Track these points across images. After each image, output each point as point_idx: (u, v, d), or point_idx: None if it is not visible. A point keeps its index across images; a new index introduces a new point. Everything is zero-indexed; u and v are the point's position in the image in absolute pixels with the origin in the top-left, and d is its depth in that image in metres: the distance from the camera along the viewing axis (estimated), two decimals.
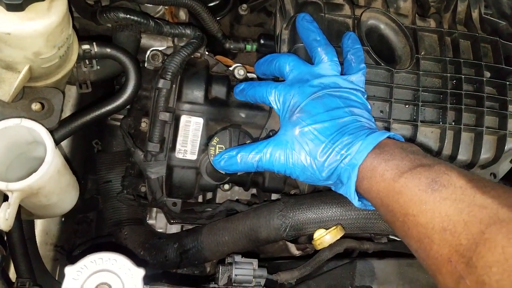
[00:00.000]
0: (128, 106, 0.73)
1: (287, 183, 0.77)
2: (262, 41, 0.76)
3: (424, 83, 0.62)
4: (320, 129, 0.51)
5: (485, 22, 0.69)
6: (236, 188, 0.86)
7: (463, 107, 0.61)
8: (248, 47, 0.77)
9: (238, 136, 0.63)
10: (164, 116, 0.66)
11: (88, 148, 0.91)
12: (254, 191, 0.86)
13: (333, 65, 0.56)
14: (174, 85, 0.67)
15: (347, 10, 0.63)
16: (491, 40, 0.66)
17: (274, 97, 0.57)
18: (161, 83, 0.65)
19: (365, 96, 0.56)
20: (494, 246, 0.34)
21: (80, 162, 0.91)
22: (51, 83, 0.54)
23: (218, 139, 0.63)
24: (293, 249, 0.88)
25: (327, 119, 0.51)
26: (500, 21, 0.70)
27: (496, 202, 0.37)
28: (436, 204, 0.40)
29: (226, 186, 0.84)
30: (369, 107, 0.56)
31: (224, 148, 0.62)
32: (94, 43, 0.57)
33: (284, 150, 0.53)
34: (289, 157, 0.53)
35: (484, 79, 0.62)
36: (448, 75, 0.62)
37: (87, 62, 0.58)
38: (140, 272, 0.43)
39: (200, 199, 0.84)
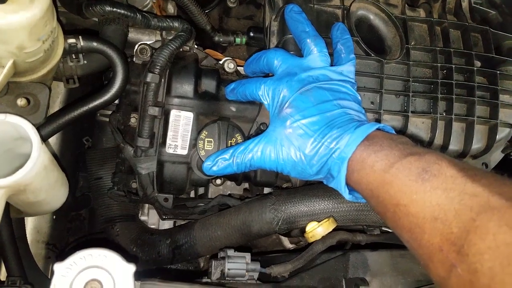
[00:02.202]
0: (116, 101, 0.72)
1: (279, 177, 0.77)
2: (251, 34, 0.75)
3: (414, 73, 0.61)
4: (309, 123, 0.51)
5: (475, 12, 0.69)
6: (229, 182, 0.86)
7: (454, 97, 0.61)
8: (238, 40, 0.76)
9: (226, 129, 0.63)
10: (153, 110, 0.65)
11: (79, 145, 0.90)
12: (246, 185, 0.85)
13: (323, 57, 0.55)
14: (162, 79, 0.66)
15: (336, 0, 0.63)
16: (481, 29, 0.66)
17: (263, 92, 0.57)
18: (149, 77, 0.64)
19: (355, 87, 0.56)
20: (485, 233, 0.34)
21: (71, 159, 0.90)
22: (36, 78, 0.52)
23: (206, 133, 0.63)
24: (287, 243, 0.88)
25: (316, 113, 0.51)
26: (490, 10, 0.70)
27: (487, 190, 0.36)
28: (427, 194, 0.40)
29: (218, 181, 0.83)
30: (359, 98, 0.56)
31: (213, 142, 0.62)
32: (80, 37, 0.56)
33: (274, 147, 0.53)
34: (279, 154, 0.53)
35: (475, 68, 0.62)
36: (439, 65, 0.61)
37: (74, 57, 0.57)
38: (131, 267, 0.42)
39: (192, 194, 0.84)
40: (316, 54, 0.55)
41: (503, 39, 0.68)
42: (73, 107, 0.56)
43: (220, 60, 0.76)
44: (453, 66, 0.61)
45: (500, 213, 0.34)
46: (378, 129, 0.49)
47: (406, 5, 0.66)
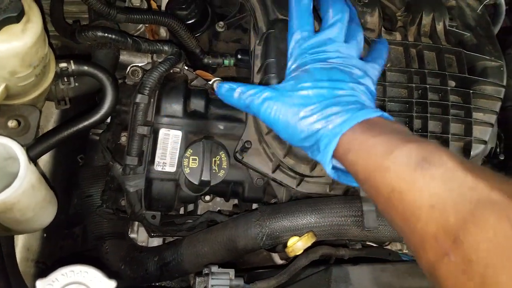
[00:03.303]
0: (108, 121, 0.75)
1: (267, 192, 0.79)
2: (239, 56, 0.79)
3: (390, 94, 0.64)
4: (317, 92, 0.51)
5: (450, 34, 0.72)
6: (218, 199, 0.87)
7: (428, 115, 0.63)
8: (226, 62, 0.79)
9: (210, 147, 0.65)
10: (142, 129, 0.67)
11: (73, 163, 0.92)
12: (236, 201, 0.87)
13: (357, 44, 0.56)
14: (152, 100, 0.69)
15: (315, 26, 0.66)
16: (455, 51, 0.69)
17: (293, 44, 0.56)
18: (138, 98, 0.66)
19: (375, 86, 0.56)
20: (484, 224, 0.34)
21: (64, 177, 0.92)
22: (28, 101, 0.55)
23: (191, 151, 0.65)
24: (277, 259, 0.89)
25: (327, 86, 0.51)
26: (464, 33, 0.74)
27: (488, 184, 0.36)
28: (426, 182, 0.39)
29: (207, 197, 0.86)
30: (375, 92, 0.55)
31: (197, 160, 0.64)
32: (71, 61, 0.59)
33: (275, 101, 0.53)
34: (278, 111, 0.52)
35: (449, 88, 0.65)
36: (414, 85, 0.64)
37: (65, 80, 0.60)
38: (112, 284, 0.43)
39: (182, 211, 0.86)
40: (355, 45, 0.56)
41: (477, 60, 0.71)
42: (63, 127, 0.58)
43: (210, 80, 0.79)
44: (428, 86, 0.64)
45: (501, 207, 0.34)
46: (381, 116, 0.49)
47: (383, 29, 0.69)
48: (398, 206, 0.41)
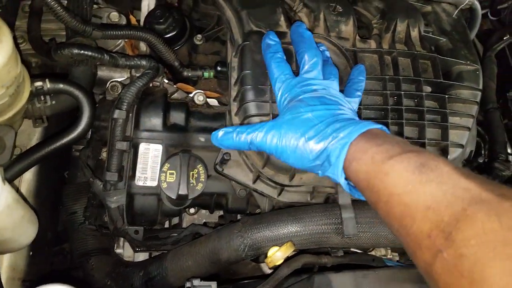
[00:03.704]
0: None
1: (250, 203, 0.79)
2: (218, 68, 0.79)
3: (365, 102, 0.65)
4: (316, 114, 0.54)
5: (425, 40, 0.73)
6: (203, 211, 0.87)
7: (404, 121, 0.64)
8: (206, 74, 0.80)
9: (188, 161, 0.65)
10: (121, 145, 0.68)
11: (59, 179, 0.92)
12: (221, 212, 0.87)
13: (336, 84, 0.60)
14: (130, 115, 0.69)
15: (289, 37, 0.67)
16: (430, 56, 0.70)
17: (279, 85, 0.59)
18: (116, 114, 0.67)
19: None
20: (474, 221, 0.35)
21: (50, 194, 0.91)
22: (3, 121, 0.55)
23: (169, 165, 0.65)
24: (266, 268, 0.89)
25: (323, 109, 0.54)
26: (440, 38, 0.75)
27: (479, 185, 0.38)
28: (422, 185, 0.41)
29: (192, 210, 0.86)
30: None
31: (175, 174, 0.64)
32: (47, 80, 0.59)
33: (278, 131, 0.55)
34: (282, 138, 0.54)
35: (423, 93, 0.66)
36: (388, 92, 0.65)
37: (42, 98, 0.60)
38: None
39: (167, 224, 0.86)
40: (334, 80, 0.60)
41: (453, 64, 0.72)
42: (40, 147, 0.58)
43: (191, 93, 0.79)
44: (402, 92, 0.65)
45: (490, 205, 0.36)
46: (380, 129, 0.52)
47: (358, 37, 0.70)
48: (396, 209, 0.43)
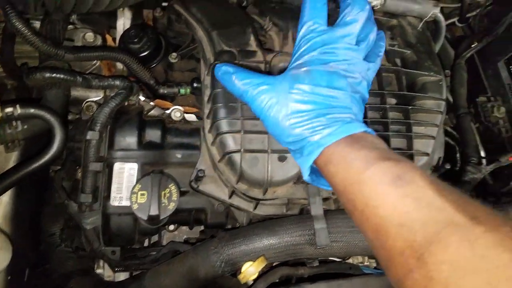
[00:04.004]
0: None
1: (230, 217, 0.80)
2: (195, 85, 0.80)
3: None
4: (311, 100, 0.51)
5: (390, 53, 0.76)
6: (184, 227, 0.88)
7: None
8: (182, 91, 0.81)
9: (159, 181, 0.66)
10: (95, 166, 0.68)
11: (39, 200, 0.91)
12: (202, 227, 0.87)
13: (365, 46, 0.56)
14: (104, 135, 0.70)
15: (259, 56, 0.69)
16: (394, 70, 0.72)
17: (303, 32, 0.54)
18: (89, 135, 0.67)
19: (369, 89, 0.57)
20: (447, 246, 0.36)
21: (31, 215, 0.90)
22: None
23: (140, 186, 0.66)
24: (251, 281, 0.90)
25: (324, 94, 0.51)
26: (405, 50, 0.78)
27: (453, 206, 0.39)
28: (398, 199, 0.41)
29: (171, 227, 0.86)
30: (367, 96, 0.56)
31: (146, 194, 0.65)
32: (17, 105, 0.60)
33: (270, 98, 0.52)
34: (271, 108, 0.52)
35: (387, 106, 0.68)
36: None
37: (13, 124, 0.61)
38: None
39: (147, 242, 0.86)
40: (364, 49, 0.55)
41: (417, 76, 0.75)
42: (11, 172, 0.58)
43: (168, 109, 0.80)
44: (367, 106, 0.67)
45: (463, 230, 0.37)
46: (364, 132, 0.51)
47: None
48: (371, 220, 0.43)
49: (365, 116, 0.68)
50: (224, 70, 0.57)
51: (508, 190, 0.97)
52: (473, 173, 0.94)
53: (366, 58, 0.57)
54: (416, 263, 0.38)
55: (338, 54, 0.53)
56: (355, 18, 0.54)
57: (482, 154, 1.03)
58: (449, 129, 1.12)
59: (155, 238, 0.86)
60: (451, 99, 1.06)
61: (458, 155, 1.06)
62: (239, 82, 0.55)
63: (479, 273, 0.34)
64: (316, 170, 0.53)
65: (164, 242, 0.87)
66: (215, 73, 0.60)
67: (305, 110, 0.51)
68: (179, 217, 0.78)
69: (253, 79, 0.54)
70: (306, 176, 0.53)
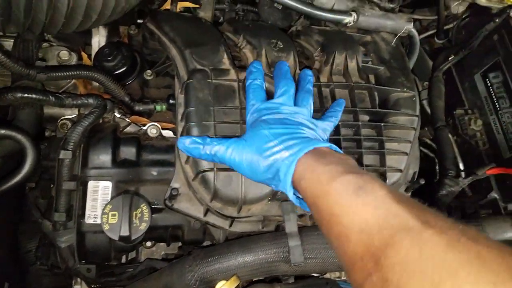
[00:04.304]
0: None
1: (207, 233, 0.80)
2: (171, 101, 0.80)
3: None
4: (272, 132, 0.57)
5: (363, 70, 0.77)
6: (162, 243, 0.88)
7: (342, 150, 0.66)
8: (158, 107, 0.81)
9: (130, 201, 0.66)
10: (68, 185, 0.68)
11: (18, 216, 0.90)
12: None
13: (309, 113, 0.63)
14: (78, 153, 0.70)
15: (232, 74, 0.69)
16: (366, 87, 0.73)
17: (250, 108, 0.63)
18: (62, 154, 0.67)
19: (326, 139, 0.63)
20: (399, 248, 0.39)
21: (8, 233, 0.89)
22: None
23: (111, 206, 0.65)
24: None
25: (281, 128, 0.58)
26: (378, 67, 0.78)
27: (407, 212, 0.42)
28: (358, 208, 0.45)
29: (149, 243, 0.86)
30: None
31: (117, 215, 0.65)
32: None
33: (237, 146, 0.58)
34: (240, 152, 0.58)
35: (360, 123, 0.69)
36: None
37: None
38: None
39: (124, 259, 0.85)
40: (305, 108, 0.63)
41: (390, 92, 0.75)
42: None
43: (145, 125, 0.80)
44: (340, 123, 0.68)
45: (415, 233, 0.39)
46: (329, 148, 0.55)
47: (298, 71, 0.73)
48: (335, 229, 0.47)
49: (338, 133, 0.69)
50: (191, 140, 0.61)
51: (486, 203, 0.98)
52: (450, 186, 0.95)
53: (321, 119, 0.64)
54: (374, 267, 0.40)
55: (283, 109, 0.61)
56: (283, 92, 0.63)
57: (461, 166, 1.04)
58: (428, 141, 1.14)
59: (133, 254, 0.85)
60: (429, 111, 1.08)
61: (437, 167, 1.08)
62: (207, 147, 0.60)
63: (425, 272, 0.36)
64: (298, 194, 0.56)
65: (142, 258, 0.86)
66: (178, 146, 0.63)
67: (272, 140, 0.56)
68: (156, 234, 0.78)
69: (220, 141, 0.60)
70: (291, 196, 0.55)
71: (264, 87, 0.66)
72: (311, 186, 0.51)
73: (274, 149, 0.55)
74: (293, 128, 0.58)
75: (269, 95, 0.66)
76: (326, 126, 0.63)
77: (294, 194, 0.55)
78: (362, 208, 0.44)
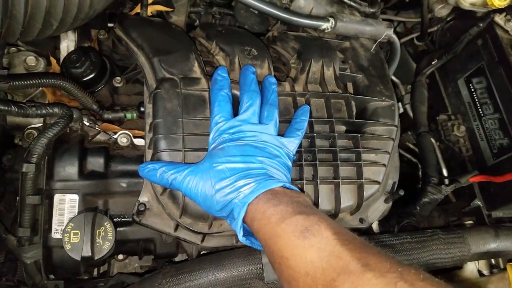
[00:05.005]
0: None
1: (181, 246, 0.77)
2: (141, 109, 0.77)
3: None
4: (229, 167, 0.56)
5: (341, 78, 0.74)
6: (135, 256, 0.85)
7: (317, 162, 0.64)
8: (129, 115, 0.78)
9: (92, 219, 0.63)
10: (33, 199, 0.65)
11: None
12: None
13: (274, 125, 0.62)
14: (42, 165, 0.67)
15: (203, 83, 0.66)
16: (343, 96, 0.71)
17: (213, 127, 0.61)
18: (25, 167, 0.64)
19: (292, 158, 0.62)
20: None
21: None
22: None
23: (72, 225, 0.63)
24: None
25: (239, 161, 0.57)
26: (356, 75, 0.76)
27: (350, 254, 0.43)
28: (305, 250, 0.45)
29: (121, 256, 0.83)
30: (290, 166, 0.61)
31: (79, 234, 0.62)
32: None
33: (195, 177, 0.57)
34: (198, 185, 0.57)
35: (336, 134, 0.66)
36: None
37: None
38: None
39: (96, 271, 0.83)
40: (269, 124, 0.61)
41: (368, 101, 0.73)
42: None
43: (116, 133, 0.77)
44: (315, 134, 0.65)
45: (353, 277, 0.41)
46: (284, 186, 0.55)
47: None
48: (285, 272, 0.47)
49: (313, 145, 0.66)
50: (150, 168, 0.60)
51: (469, 210, 0.97)
52: (433, 193, 0.93)
53: (287, 134, 0.63)
54: None
55: (245, 131, 0.60)
56: (248, 106, 0.62)
57: (444, 172, 1.03)
58: (411, 146, 1.12)
59: (105, 267, 0.83)
60: (411, 114, 1.06)
61: (420, 172, 1.06)
62: (165, 174, 0.58)
63: None
64: (251, 233, 0.57)
65: (115, 271, 0.84)
66: (140, 173, 0.62)
67: (227, 177, 0.55)
68: (127, 247, 0.75)
69: (179, 167, 0.59)
70: (240, 237, 0.55)
71: (231, 98, 0.64)
72: (262, 227, 0.51)
73: (228, 188, 0.55)
74: (252, 161, 0.57)
75: (237, 103, 0.64)
76: (293, 141, 0.62)
77: (249, 236, 0.56)
78: (308, 250, 0.45)
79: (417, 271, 0.40)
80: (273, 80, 0.67)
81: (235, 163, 0.56)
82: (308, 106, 0.67)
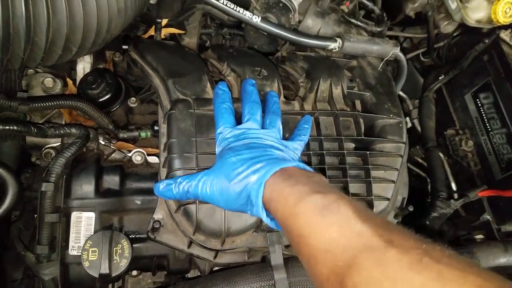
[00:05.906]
0: None
1: (194, 262, 0.79)
2: (155, 128, 0.80)
3: None
4: (239, 158, 0.57)
5: (349, 96, 0.76)
6: (148, 272, 0.86)
7: (327, 179, 0.65)
8: (143, 134, 0.80)
9: (110, 237, 0.65)
10: (51, 218, 0.67)
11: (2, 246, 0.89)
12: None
13: (277, 133, 0.64)
14: (61, 184, 0.69)
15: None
16: (351, 114, 0.72)
17: (218, 137, 0.63)
18: (44, 187, 0.66)
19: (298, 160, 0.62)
20: (361, 269, 0.39)
21: None
22: None
23: (91, 243, 0.64)
24: None
25: (247, 153, 0.58)
26: (364, 93, 0.78)
27: (371, 231, 0.42)
28: (324, 228, 0.45)
29: (134, 272, 0.84)
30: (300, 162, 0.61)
31: (97, 252, 0.64)
32: None
33: (208, 178, 0.58)
34: (213, 182, 0.57)
35: (345, 151, 0.68)
36: (311, 152, 0.67)
37: None
38: None
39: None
40: (272, 129, 0.63)
41: (376, 119, 0.74)
42: None
43: (131, 151, 0.80)
44: (324, 151, 0.67)
45: (376, 253, 0.40)
46: (298, 167, 0.55)
47: (283, 99, 0.73)
48: (304, 249, 0.47)
49: (322, 162, 0.68)
50: (165, 184, 0.61)
51: (479, 224, 0.97)
52: (442, 208, 0.94)
53: (290, 139, 0.64)
54: (339, 287, 0.40)
55: (249, 134, 0.61)
56: (250, 117, 0.63)
57: (453, 187, 1.03)
58: (420, 160, 1.13)
59: (119, 283, 0.84)
60: (419, 129, 1.07)
61: (429, 186, 1.07)
62: (180, 186, 0.60)
63: None
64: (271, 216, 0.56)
65: (129, 287, 0.85)
66: (155, 192, 0.63)
67: (239, 166, 0.56)
68: (141, 264, 0.77)
69: (190, 176, 0.60)
70: (265, 219, 0.55)
71: (233, 110, 0.65)
72: (280, 208, 0.51)
73: (242, 174, 0.55)
74: (260, 151, 0.58)
75: (240, 116, 0.66)
76: (296, 146, 0.63)
77: (267, 216, 0.55)
78: (327, 228, 0.44)
79: (441, 247, 0.39)
80: (275, 93, 0.69)
81: (243, 154, 0.57)
82: (310, 116, 0.69)
